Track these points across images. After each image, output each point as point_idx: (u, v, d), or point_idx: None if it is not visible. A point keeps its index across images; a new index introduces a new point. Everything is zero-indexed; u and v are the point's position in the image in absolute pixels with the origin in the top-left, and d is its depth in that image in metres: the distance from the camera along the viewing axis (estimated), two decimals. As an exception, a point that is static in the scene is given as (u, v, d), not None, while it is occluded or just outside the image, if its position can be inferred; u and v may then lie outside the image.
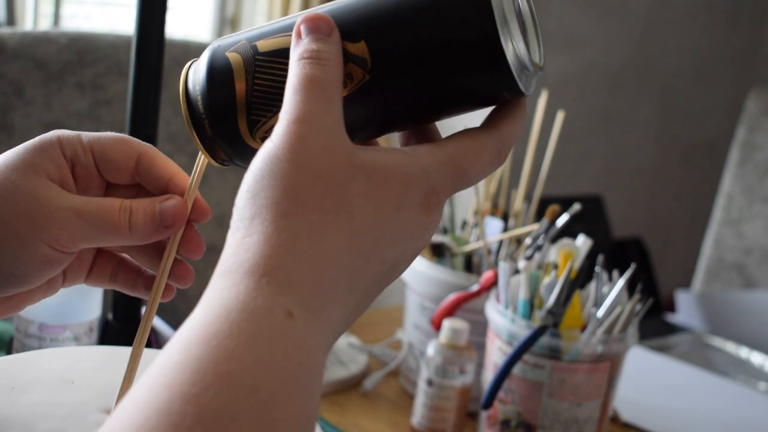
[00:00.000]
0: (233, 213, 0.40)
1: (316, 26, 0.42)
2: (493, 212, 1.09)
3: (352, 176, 0.39)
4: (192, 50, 1.30)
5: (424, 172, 0.41)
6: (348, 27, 0.42)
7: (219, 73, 0.44)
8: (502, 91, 0.43)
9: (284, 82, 0.42)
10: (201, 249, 0.51)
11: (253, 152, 0.41)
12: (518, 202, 1.08)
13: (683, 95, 2.89)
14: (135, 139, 0.51)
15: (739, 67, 3.00)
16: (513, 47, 0.41)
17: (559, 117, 1.08)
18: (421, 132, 0.46)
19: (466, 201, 1.16)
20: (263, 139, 0.43)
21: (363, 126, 0.44)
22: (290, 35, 0.43)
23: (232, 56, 0.44)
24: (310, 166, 0.39)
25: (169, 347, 0.36)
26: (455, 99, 0.43)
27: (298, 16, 0.43)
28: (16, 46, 1.18)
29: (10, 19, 1.95)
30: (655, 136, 2.87)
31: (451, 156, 0.42)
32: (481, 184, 1.10)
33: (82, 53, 1.23)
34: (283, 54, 0.43)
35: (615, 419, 1.06)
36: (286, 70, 0.42)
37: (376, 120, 0.44)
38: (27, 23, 2.02)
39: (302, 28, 0.42)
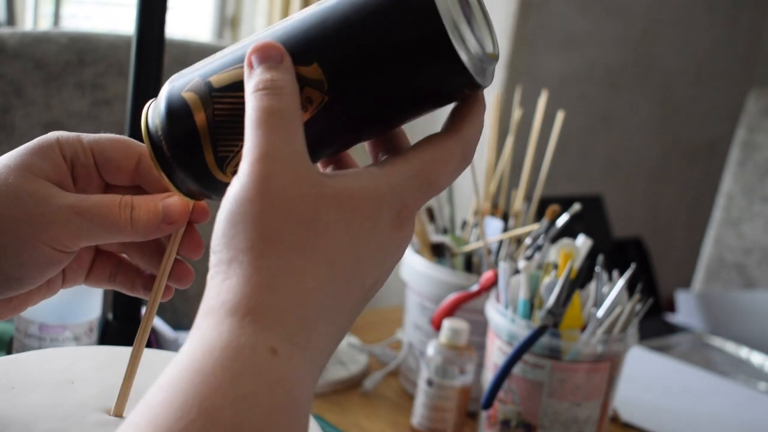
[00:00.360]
0: (210, 256, 0.40)
1: (266, 55, 0.41)
2: (493, 212, 1.09)
3: (324, 207, 0.39)
4: (192, 50, 1.30)
5: (394, 189, 0.41)
6: (298, 51, 0.41)
7: (179, 115, 0.44)
8: (461, 89, 0.42)
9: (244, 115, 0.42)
10: (201, 249, 0.51)
11: (227, 187, 0.41)
12: (518, 202, 1.08)
13: (683, 95, 2.89)
14: (135, 140, 0.51)
15: (739, 67, 3.00)
16: (465, 47, 0.40)
17: (559, 117, 1.08)
18: (387, 139, 0.46)
19: (466, 201, 1.16)
20: (234, 173, 0.42)
21: (329, 144, 0.44)
22: (242, 67, 0.42)
23: (189, 96, 0.44)
24: (281, 204, 0.39)
25: (154, 386, 0.36)
26: (415, 105, 0.43)
27: (247, 45, 0.43)
28: (16, 46, 1.18)
29: (10, 19, 1.95)
30: (656, 136, 2.87)
31: (419, 168, 0.42)
32: (481, 184, 1.10)
33: (82, 53, 1.23)
34: (239, 87, 0.42)
35: (615, 419, 1.06)
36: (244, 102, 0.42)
37: (341, 137, 0.44)
38: (27, 23, 2.02)
39: (253, 58, 0.41)
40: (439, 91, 0.42)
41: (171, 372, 0.36)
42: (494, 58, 0.42)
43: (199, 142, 0.44)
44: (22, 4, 2.00)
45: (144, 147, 0.51)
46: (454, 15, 0.40)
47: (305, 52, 0.41)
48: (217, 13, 2.37)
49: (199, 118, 0.43)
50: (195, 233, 0.51)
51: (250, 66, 0.41)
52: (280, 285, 0.38)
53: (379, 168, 0.42)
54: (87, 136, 0.50)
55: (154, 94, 0.91)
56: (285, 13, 2.26)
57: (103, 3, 2.32)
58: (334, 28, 0.41)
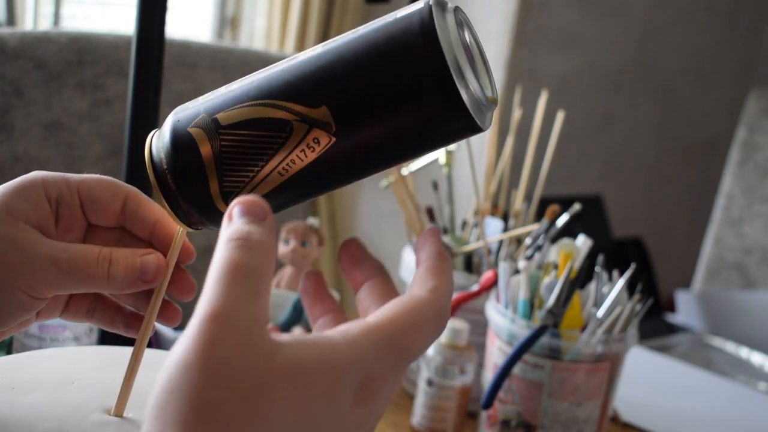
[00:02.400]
0: (144, 426, 0.35)
1: (250, 209, 0.38)
2: (493, 212, 1.10)
3: (274, 380, 0.34)
4: (192, 50, 1.30)
5: (357, 360, 0.36)
6: (307, 93, 0.42)
7: (185, 150, 0.45)
8: (462, 131, 0.43)
9: (252, 152, 0.43)
10: (192, 291, 0.50)
11: None
12: (518, 202, 1.08)
13: (683, 95, 2.89)
14: (120, 181, 0.51)
15: (739, 67, 3.00)
16: (469, 91, 0.41)
17: (559, 117, 1.08)
18: (382, 295, 0.42)
19: (466, 201, 1.16)
20: None
21: (330, 183, 0.45)
22: (250, 105, 0.43)
23: (195, 131, 0.44)
24: (224, 374, 0.34)
25: None
26: (416, 147, 0.44)
27: (255, 80, 0.43)
28: (16, 46, 1.18)
29: (10, 19, 1.95)
30: (655, 136, 2.87)
31: (390, 336, 0.38)
32: (481, 184, 1.10)
33: (82, 53, 1.23)
34: (246, 125, 0.43)
35: (615, 419, 1.06)
36: (253, 140, 0.43)
37: (342, 176, 0.45)
38: (27, 23, 2.02)
39: (235, 210, 0.38)
40: (440, 131, 0.43)
41: None
42: (493, 102, 0.43)
43: (205, 176, 0.44)
44: (22, 4, 2.00)
45: (130, 187, 0.50)
46: (458, 57, 0.41)
47: (314, 93, 0.42)
48: (217, 13, 2.37)
49: (206, 153, 0.44)
50: (185, 274, 0.50)
51: (230, 218, 0.38)
52: None
53: (343, 334, 0.37)
54: (73, 177, 0.49)
55: (155, 94, 0.91)
56: (285, 13, 2.26)
57: (103, 3, 2.32)
58: (343, 71, 0.42)
